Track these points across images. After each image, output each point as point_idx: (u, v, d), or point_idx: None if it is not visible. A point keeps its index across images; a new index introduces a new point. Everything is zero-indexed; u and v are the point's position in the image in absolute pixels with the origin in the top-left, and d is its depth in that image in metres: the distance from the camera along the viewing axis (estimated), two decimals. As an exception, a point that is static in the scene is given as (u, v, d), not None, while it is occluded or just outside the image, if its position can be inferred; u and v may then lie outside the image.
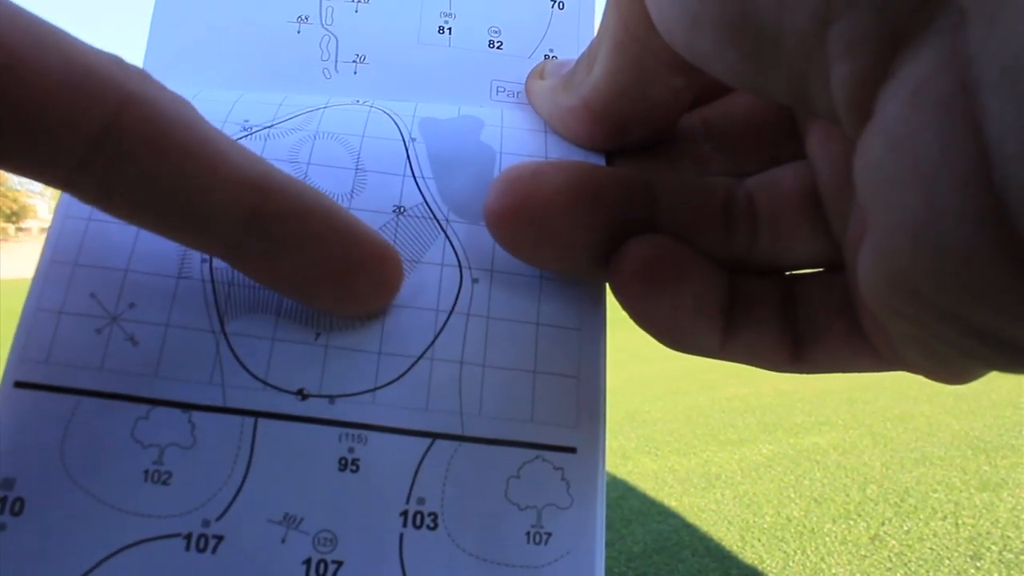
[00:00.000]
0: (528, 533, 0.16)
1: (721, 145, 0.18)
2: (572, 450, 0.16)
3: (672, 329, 0.16)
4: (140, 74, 0.13)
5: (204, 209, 0.14)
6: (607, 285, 0.17)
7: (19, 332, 0.16)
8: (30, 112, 0.12)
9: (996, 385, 2.75)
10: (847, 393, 2.88)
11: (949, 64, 0.09)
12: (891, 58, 0.10)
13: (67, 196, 0.16)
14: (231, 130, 0.18)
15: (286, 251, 0.15)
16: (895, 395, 2.80)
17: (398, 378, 0.16)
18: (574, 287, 0.17)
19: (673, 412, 2.82)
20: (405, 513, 0.15)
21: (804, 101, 0.12)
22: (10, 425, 0.15)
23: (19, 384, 0.15)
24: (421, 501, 0.15)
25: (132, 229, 0.17)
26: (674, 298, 0.15)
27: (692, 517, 1.82)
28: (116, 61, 0.13)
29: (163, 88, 0.14)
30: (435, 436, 0.16)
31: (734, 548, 1.66)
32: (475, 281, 0.17)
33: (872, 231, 0.11)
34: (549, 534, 0.16)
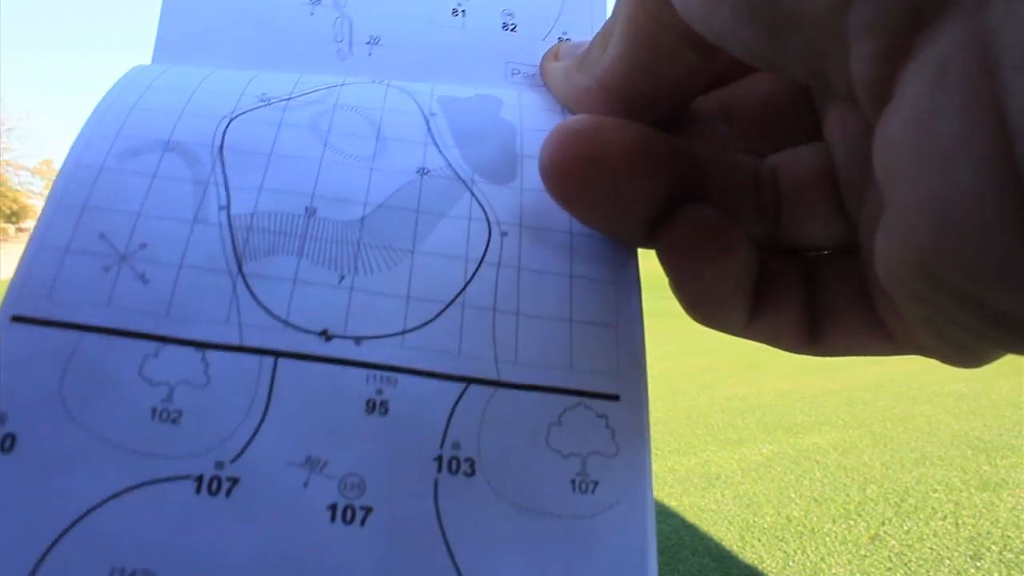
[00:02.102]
0: (573, 481, 0.15)
1: (738, 127, 0.18)
2: (615, 398, 0.15)
3: (709, 302, 0.16)
4: None
5: None
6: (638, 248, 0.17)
7: (19, 268, 0.15)
8: None
9: (996, 385, 2.74)
10: (847, 393, 2.88)
11: (970, 44, 0.09)
12: (912, 38, 0.10)
13: (80, 145, 0.16)
14: (248, 102, 0.18)
15: None
16: (895, 395, 2.80)
17: (428, 321, 0.15)
18: (604, 245, 0.17)
19: (673, 412, 2.82)
20: (439, 459, 0.14)
21: (822, 80, 0.12)
22: (4, 360, 0.14)
23: (17, 319, 0.14)
24: (456, 446, 0.15)
25: (147, 178, 0.16)
26: (718, 271, 0.15)
27: (692, 517, 1.82)
28: None
29: None
30: (469, 380, 0.15)
31: (734, 548, 1.66)
32: (504, 234, 0.17)
33: (890, 212, 0.11)
34: (596, 483, 0.15)
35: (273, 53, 0.20)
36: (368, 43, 0.20)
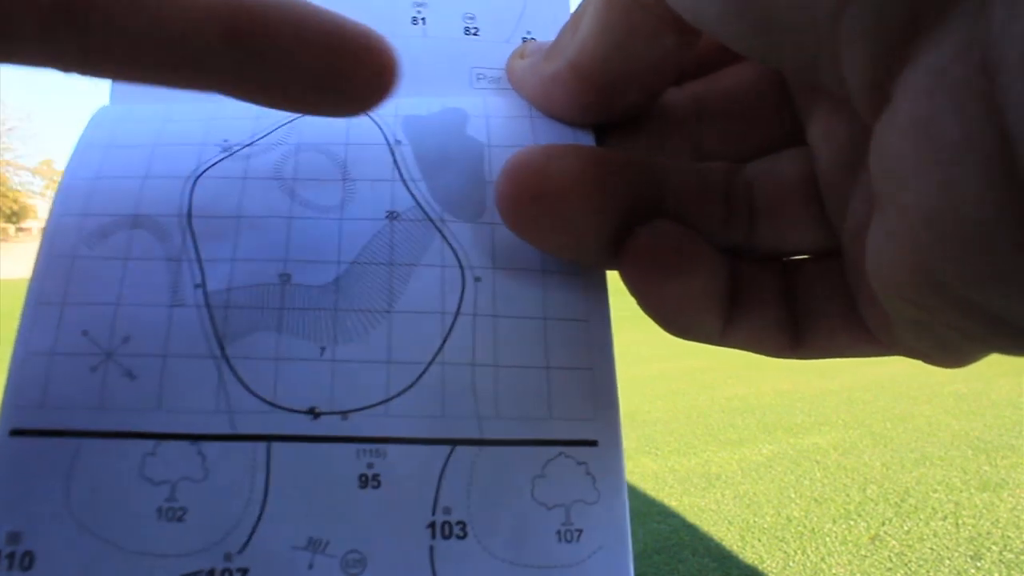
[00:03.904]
0: (559, 532, 0.15)
1: (713, 125, 0.17)
2: (594, 443, 0.16)
3: (679, 316, 0.15)
4: None
5: (180, 40, 0.13)
6: (607, 275, 0.17)
7: (10, 378, 0.15)
8: None
9: (996, 385, 2.75)
10: (847, 393, 2.88)
11: (970, 49, 0.09)
12: (910, 43, 0.10)
13: (50, 236, 0.16)
14: (211, 152, 0.18)
15: (271, 63, 0.14)
16: (895, 395, 2.80)
17: (410, 386, 0.16)
18: (576, 279, 0.17)
19: (673, 412, 2.82)
20: (432, 525, 0.15)
21: (813, 78, 0.12)
22: (10, 475, 0.14)
23: (15, 432, 0.15)
24: (447, 511, 0.15)
25: (120, 262, 0.16)
26: (683, 286, 0.15)
27: (692, 517, 1.82)
28: None
29: None
30: (454, 443, 0.16)
31: (734, 548, 1.66)
32: (477, 280, 0.17)
33: (888, 216, 0.11)
34: (580, 531, 0.15)
35: None
36: None
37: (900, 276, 0.11)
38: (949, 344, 0.13)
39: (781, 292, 0.16)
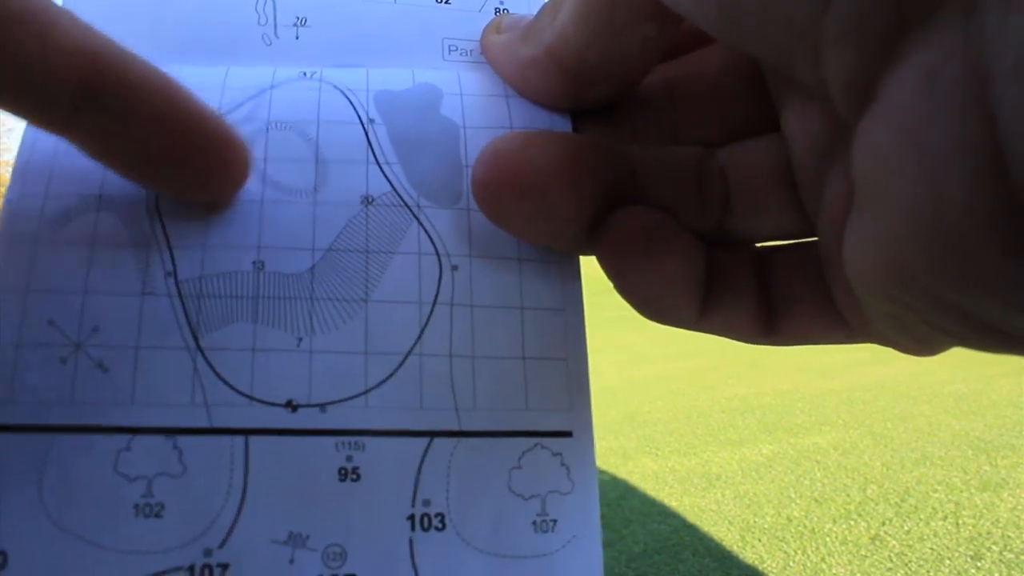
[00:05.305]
0: (535, 522, 0.15)
1: (687, 109, 0.17)
2: (568, 434, 0.16)
3: (655, 300, 0.16)
4: None
5: (34, 79, 0.13)
6: (580, 263, 0.17)
7: None
8: None
9: (996, 385, 2.74)
10: (847, 393, 2.88)
11: (961, 50, 0.09)
12: (897, 42, 0.10)
13: (9, 219, 0.16)
14: None
15: (119, 127, 0.14)
16: (895, 395, 2.80)
17: (388, 377, 0.16)
18: (552, 266, 0.17)
19: (673, 412, 2.82)
20: (412, 517, 0.15)
21: (789, 70, 0.12)
22: None
23: None
24: (427, 503, 0.15)
25: (85, 247, 0.15)
26: (659, 270, 0.15)
27: (692, 517, 1.82)
28: None
29: None
30: (433, 435, 0.15)
31: (734, 548, 1.66)
32: (455, 268, 0.17)
33: (871, 216, 0.11)
34: (555, 521, 0.16)
35: (194, 40, 0.18)
36: (294, 24, 0.19)
37: (880, 274, 0.11)
38: (923, 336, 0.13)
39: (756, 278, 0.16)
